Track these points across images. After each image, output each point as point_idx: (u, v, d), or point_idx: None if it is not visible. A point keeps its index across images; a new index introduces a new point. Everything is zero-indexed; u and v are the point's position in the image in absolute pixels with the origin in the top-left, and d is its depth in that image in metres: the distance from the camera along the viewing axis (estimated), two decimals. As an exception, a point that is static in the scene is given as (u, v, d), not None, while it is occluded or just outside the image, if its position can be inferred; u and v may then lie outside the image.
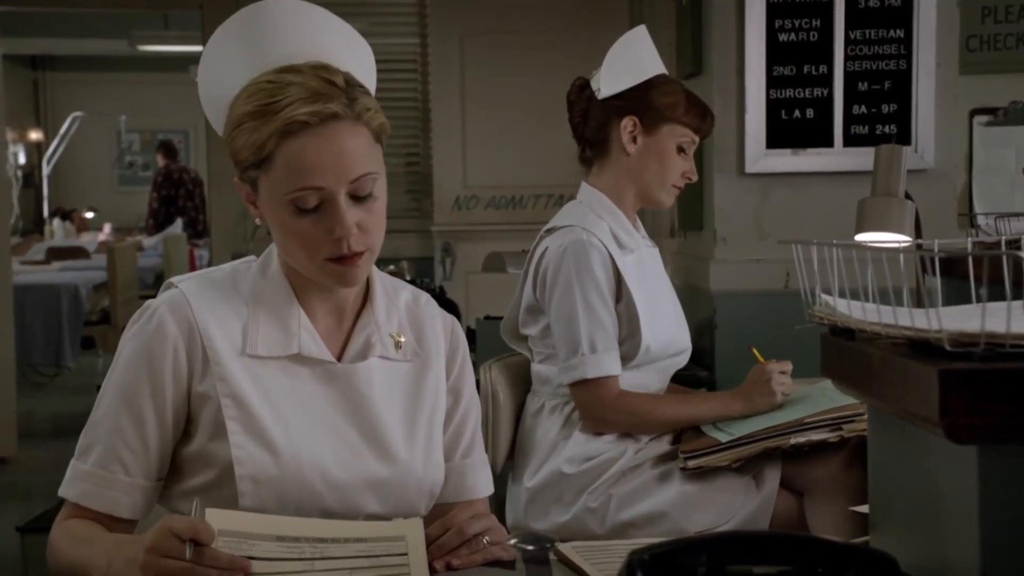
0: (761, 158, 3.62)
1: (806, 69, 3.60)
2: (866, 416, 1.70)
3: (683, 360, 2.73)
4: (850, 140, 3.61)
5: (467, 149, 6.01)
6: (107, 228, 11.73)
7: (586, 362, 2.52)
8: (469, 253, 5.88)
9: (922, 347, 1.11)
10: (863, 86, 3.60)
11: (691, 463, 2.47)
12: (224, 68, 1.58)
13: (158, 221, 11.36)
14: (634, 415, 2.56)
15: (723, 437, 2.47)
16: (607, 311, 2.54)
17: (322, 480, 1.55)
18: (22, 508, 4.86)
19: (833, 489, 2.40)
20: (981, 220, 3.47)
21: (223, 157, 1.72)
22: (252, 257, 1.68)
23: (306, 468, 1.55)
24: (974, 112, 3.70)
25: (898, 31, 3.59)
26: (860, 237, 2.78)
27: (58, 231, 11.47)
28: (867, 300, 1.22)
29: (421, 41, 6.39)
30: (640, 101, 2.61)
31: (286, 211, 1.53)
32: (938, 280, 1.22)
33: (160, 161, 11.71)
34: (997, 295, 1.10)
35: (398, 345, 1.65)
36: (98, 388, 1.62)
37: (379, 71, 1.69)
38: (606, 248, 2.56)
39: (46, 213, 12.89)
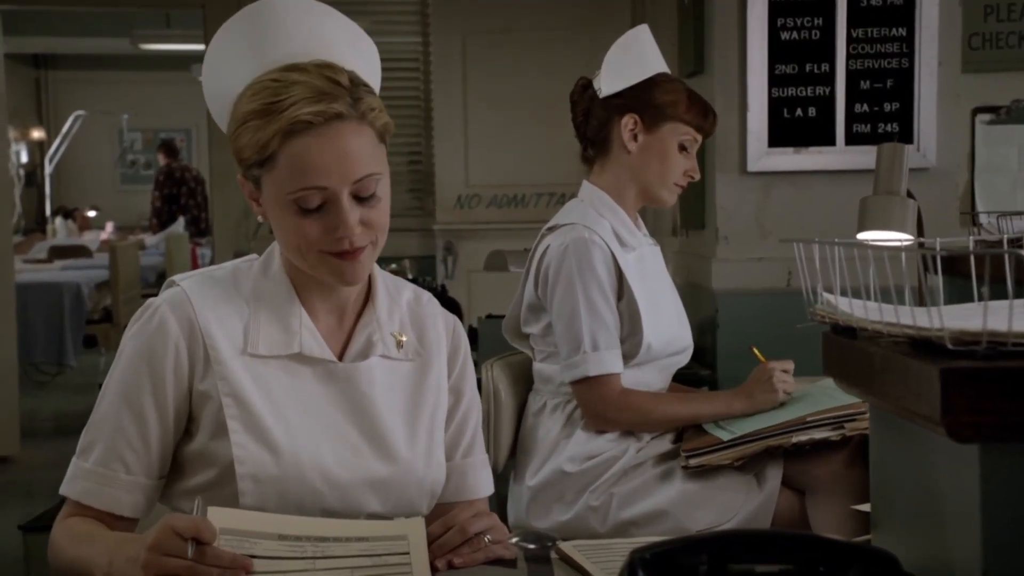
0: (763, 157, 3.61)
1: (808, 67, 3.60)
2: (868, 415, 1.70)
3: (685, 358, 2.73)
4: (852, 139, 3.61)
5: (469, 148, 6.00)
6: (109, 227, 11.73)
7: (588, 360, 2.52)
8: (471, 252, 5.87)
9: (924, 346, 1.11)
10: (865, 84, 3.60)
11: (693, 461, 2.47)
12: (228, 65, 1.58)
13: (162, 220, 11.37)
14: (636, 413, 2.56)
15: (725, 436, 2.47)
16: (609, 309, 2.54)
17: (323, 479, 1.55)
18: (24, 507, 4.86)
19: (835, 488, 2.40)
20: (983, 219, 3.46)
21: (225, 156, 1.72)
22: (254, 256, 1.68)
23: (307, 467, 1.55)
24: (976, 111, 3.69)
25: (900, 29, 3.59)
26: (862, 236, 2.78)
27: (60, 230, 11.48)
28: (869, 299, 1.22)
29: (423, 40, 6.38)
30: (641, 99, 2.61)
31: (289, 210, 1.53)
32: (940, 279, 1.22)
33: (161, 160, 11.72)
34: (999, 294, 1.10)
35: (400, 344, 1.65)
36: (100, 387, 1.62)
37: (381, 70, 1.68)
38: (607, 246, 2.56)
39: (48, 212, 12.90)
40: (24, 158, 13.53)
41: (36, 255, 9.34)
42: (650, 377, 2.63)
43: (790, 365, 2.56)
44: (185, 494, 1.59)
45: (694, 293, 3.79)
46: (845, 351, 1.25)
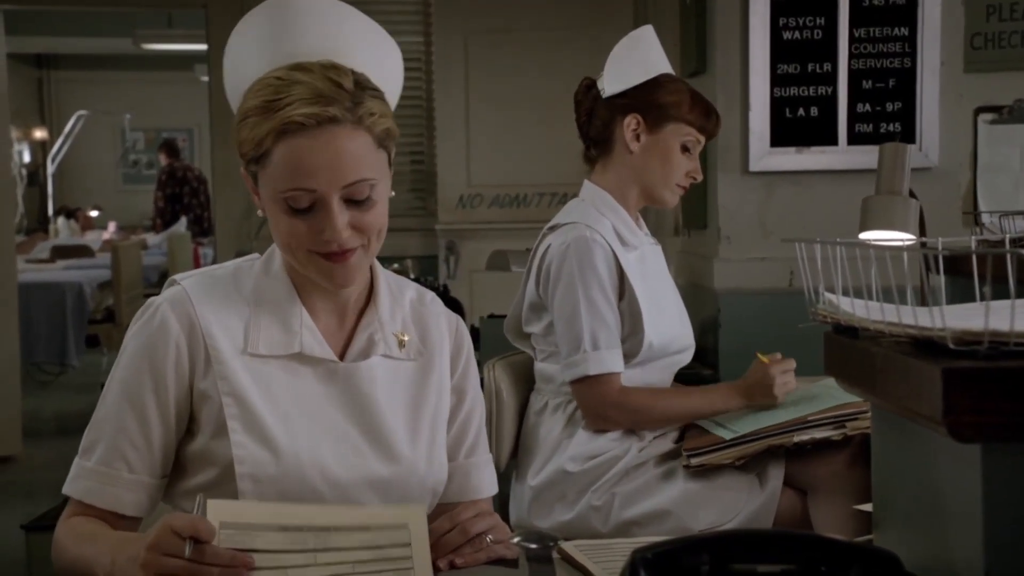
0: (765, 156, 3.61)
1: (810, 67, 3.60)
2: (869, 414, 1.70)
3: (687, 358, 2.73)
4: (854, 138, 3.61)
5: (471, 147, 6.00)
6: (111, 226, 11.74)
7: (588, 359, 2.52)
8: (473, 251, 5.87)
9: (926, 345, 1.11)
10: (867, 84, 3.60)
11: (694, 460, 2.47)
12: (242, 58, 1.59)
13: (165, 219, 11.37)
14: (636, 412, 2.56)
15: (726, 435, 2.47)
16: (610, 308, 2.54)
17: (323, 479, 1.55)
18: (27, 507, 4.86)
19: (837, 487, 2.40)
20: (985, 218, 3.46)
21: (228, 155, 1.72)
22: (255, 255, 1.68)
23: (307, 467, 1.55)
24: (979, 110, 3.69)
25: (902, 29, 3.59)
26: (864, 235, 2.78)
27: (63, 229, 11.49)
28: (871, 298, 1.22)
29: (425, 40, 6.38)
30: (644, 99, 2.61)
31: (280, 208, 1.53)
32: (942, 278, 1.22)
33: (163, 160, 11.72)
34: (1001, 293, 1.10)
35: (402, 344, 1.65)
36: (102, 386, 1.62)
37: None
38: (609, 245, 2.56)
39: (51, 211, 12.91)
40: (26, 158, 13.55)
41: (38, 255, 9.34)
42: (652, 376, 2.63)
43: (791, 365, 2.56)
44: (187, 494, 1.59)
45: (696, 293, 3.79)
46: (847, 351, 1.25)
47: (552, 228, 2.64)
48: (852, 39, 3.58)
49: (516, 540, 1.52)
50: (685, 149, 2.64)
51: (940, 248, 1.13)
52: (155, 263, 9.57)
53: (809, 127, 3.61)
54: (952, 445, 1.06)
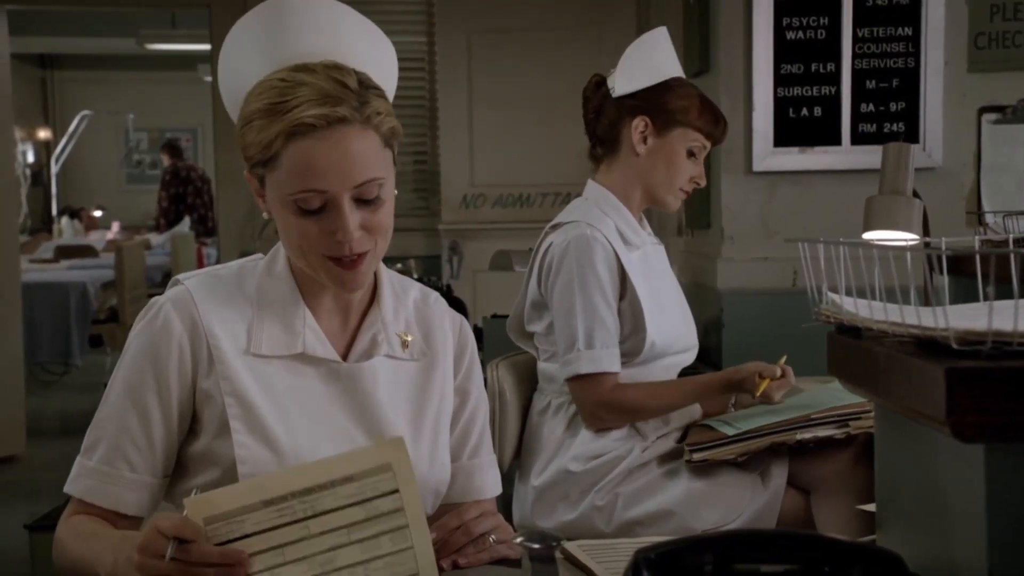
0: (768, 156, 3.61)
1: (814, 67, 3.59)
2: (872, 413, 1.70)
3: (690, 358, 2.73)
4: (858, 138, 3.60)
5: (474, 147, 6.00)
6: (115, 226, 11.75)
7: (581, 357, 2.52)
8: (476, 251, 5.88)
9: (929, 345, 1.10)
10: (871, 84, 3.60)
11: (696, 455, 2.47)
12: (241, 61, 1.58)
13: (169, 219, 11.37)
14: (630, 413, 2.55)
15: (729, 431, 2.48)
16: (607, 307, 2.54)
17: (325, 479, 1.55)
18: (30, 506, 4.87)
19: (840, 487, 2.40)
20: (989, 218, 3.46)
21: (231, 155, 1.72)
22: (259, 255, 1.68)
23: (310, 467, 1.54)
24: (982, 110, 3.69)
25: (906, 29, 3.58)
26: (867, 235, 2.78)
27: (66, 229, 11.49)
28: (874, 298, 1.22)
29: (428, 39, 6.39)
30: (654, 102, 2.61)
31: (290, 210, 1.52)
32: (945, 278, 1.22)
33: (165, 160, 11.72)
34: (1005, 293, 1.10)
35: (405, 344, 1.65)
36: (106, 386, 1.62)
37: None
38: (610, 244, 2.56)
39: (54, 211, 12.91)
40: (30, 158, 13.56)
41: (42, 255, 9.35)
42: (655, 376, 2.62)
43: (787, 386, 2.55)
44: (188, 494, 1.58)
45: (699, 293, 3.78)
46: (850, 351, 1.25)
47: (554, 226, 2.64)
48: (856, 39, 3.58)
49: (519, 540, 1.52)
50: (691, 154, 2.63)
51: (944, 248, 1.13)
52: (159, 263, 9.58)
53: (813, 127, 3.60)
54: (955, 445, 1.06)
